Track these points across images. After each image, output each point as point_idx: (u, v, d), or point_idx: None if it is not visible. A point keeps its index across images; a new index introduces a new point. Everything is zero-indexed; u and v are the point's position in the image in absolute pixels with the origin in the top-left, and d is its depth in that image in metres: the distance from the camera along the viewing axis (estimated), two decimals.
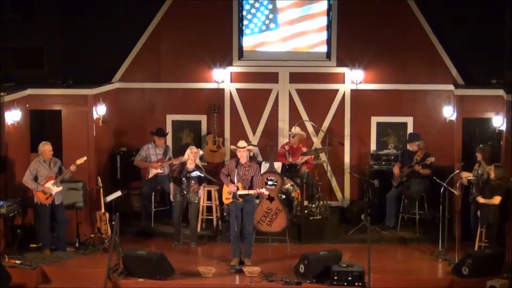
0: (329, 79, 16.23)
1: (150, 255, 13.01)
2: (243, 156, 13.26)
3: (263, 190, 13.32)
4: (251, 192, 13.24)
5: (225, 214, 14.78)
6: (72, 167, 13.90)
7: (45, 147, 13.85)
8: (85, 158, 14.05)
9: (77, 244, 14.27)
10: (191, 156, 14.28)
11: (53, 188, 13.78)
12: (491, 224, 13.25)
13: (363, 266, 12.64)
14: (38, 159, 13.88)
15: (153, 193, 15.49)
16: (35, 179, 13.79)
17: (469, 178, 13.76)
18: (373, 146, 16.20)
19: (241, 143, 13.36)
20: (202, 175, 14.27)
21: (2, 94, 14.11)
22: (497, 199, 13.14)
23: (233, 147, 13.68)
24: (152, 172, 15.27)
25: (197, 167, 14.35)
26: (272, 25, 16.38)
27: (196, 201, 14.41)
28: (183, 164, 14.39)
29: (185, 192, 14.32)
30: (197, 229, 14.70)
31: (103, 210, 14.41)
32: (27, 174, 13.81)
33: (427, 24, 15.80)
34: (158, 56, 16.37)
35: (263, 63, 16.31)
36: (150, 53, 16.34)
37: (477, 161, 14.00)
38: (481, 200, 13.24)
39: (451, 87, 15.59)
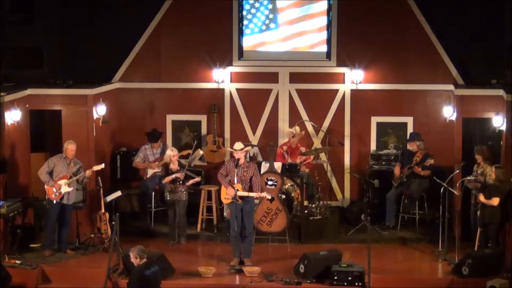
0: (329, 79, 16.24)
1: (150, 255, 13.00)
2: (241, 158, 13.25)
3: (265, 194, 13.32)
4: (252, 194, 13.23)
5: (225, 214, 14.78)
6: (88, 172, 13.93)
7: (68, 146, 13.87)
8: (102, 165, 14.09)
9: (77, 244, 14.28)
10: (172, 158, 14.31)
11: (64, 187, 13.79)
12: (488, 225, 13.25)
13: (363, 266, 12.64)
14: (61, 155, 13.90)
15: (153, 192, 15.49)
16: (51, 174, 13.80)
17: (469, 178, 13.78)
18: (373, 146, 16.20)
19: (237, 145, 13.33)
20: (184, 174, 14.29)
21: (2, 94, 14.13)
22: (495, 201, 13.12)
23: (229, 149, 13.68)
24: (150, 172, 15.28)
25: (181, 166, 14.39)
26: (272, 25, 16.38)
27: (184, 199, 14.42)
28: (166, 164, 14.45)
29: (173, 191, 14.35)
30: (186, 226, 14.67)
31: (103, 210, 14.41)
32: (43, 166, 13.84)
33: (427, 24, 15.79)
34: (158, 56, 16.38)
35: (263, 63, 16.32)
36: (150, 53, 16.34)
37: (476, 162, 14.00)
38: (481, 198, 13.22)
39: (451, 87, 15.58)
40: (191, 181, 14.49)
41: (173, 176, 14.31)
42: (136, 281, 11.35)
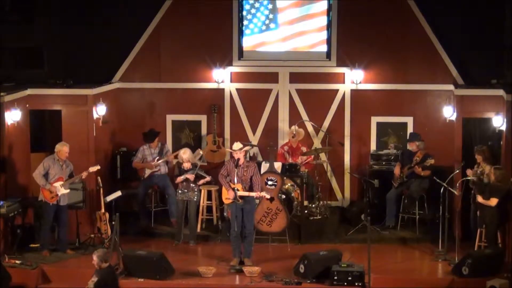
0: (329, 79, 16.24)
1: (150, 255, 13.02)
2: (240, 158, 13.25)
3: (265, 194, 13.32)
4: (252, 194, 13.23)
5: (225, 214, 14.79)
6: (84, 174, 13.94)
7: (63, 148, 13.86)
8: (98, 167, 14.11)
9: (77, 244, 14.28)
10: (184, 160, 14.32)
11: (60, 189, 13.79)
12: (488, 225, 13.25)
13: (363, 266, 12.64)
14: (53, 156, 13.89)
15: (152, 192, 15.50)
16: (45, 176, 13.80)
17: (469, 178, 13.77)
18: (373, 146, 16.20)
19: (236, 146, 13.32)
20: (195, 173, 14.31)
21: (2, 94, 14.12)
22: (493, 201, 13.11)
23: (228, 150, 13.68)
24: (148, 172, 15.28)
25: (193, 166, 14.42)
26: (272, 25, 16.39)
27: (195, 199, 14.44)
28: (179, 164, 14.46)
29: (185, 191, 14.37)
30: (196, 227, 14.72)
31: (103, 210, 14.43)
32: (39, 168, 13.81)
33: (427, 24, 15.80)
34: (158, 56, 16.38)
35: (263, 63, 16.32)
36: (150, 53, 16.34)
37: (477, 162, 14.00)
38: (479, 199, 13.23)
39: (451, 87, 15.59)
40: (201, 181, 14.51)
41: (183, 176, 14.32)
42: (110, 281, 11.43)
